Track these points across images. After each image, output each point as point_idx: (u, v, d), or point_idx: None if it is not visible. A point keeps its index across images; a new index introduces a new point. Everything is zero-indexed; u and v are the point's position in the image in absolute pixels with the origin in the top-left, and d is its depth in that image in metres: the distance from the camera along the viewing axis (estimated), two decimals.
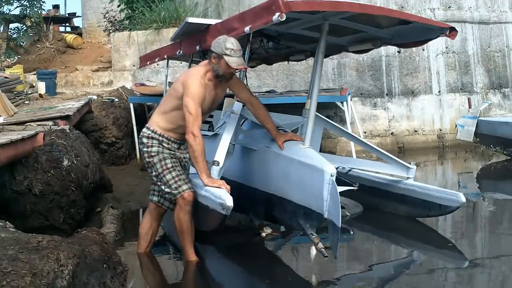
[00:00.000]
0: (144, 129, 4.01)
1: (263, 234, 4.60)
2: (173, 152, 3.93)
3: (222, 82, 3.96)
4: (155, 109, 8.37)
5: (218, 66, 3.83)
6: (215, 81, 3.89)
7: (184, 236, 3.91)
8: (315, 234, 3.67)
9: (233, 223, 4.79)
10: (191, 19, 4.77)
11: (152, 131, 3.94)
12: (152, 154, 3.90)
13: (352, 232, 4.93)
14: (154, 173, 3.93)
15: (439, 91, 9.91)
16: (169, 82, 7.62)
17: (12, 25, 12.98)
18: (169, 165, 3.88)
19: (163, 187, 3.89)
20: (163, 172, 3.87)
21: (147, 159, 3.95)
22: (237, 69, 3.89)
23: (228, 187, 3.68)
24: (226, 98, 5.63)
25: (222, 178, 3.98)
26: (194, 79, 3.80)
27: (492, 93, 10.42)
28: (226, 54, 3.77)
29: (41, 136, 4.29)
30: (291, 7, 3.37)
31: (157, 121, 3.97)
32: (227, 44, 3.79)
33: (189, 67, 6.57)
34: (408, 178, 4.80)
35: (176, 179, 3.85)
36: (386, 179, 5.04)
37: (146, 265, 4.07)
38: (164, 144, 3.91)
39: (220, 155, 3.94)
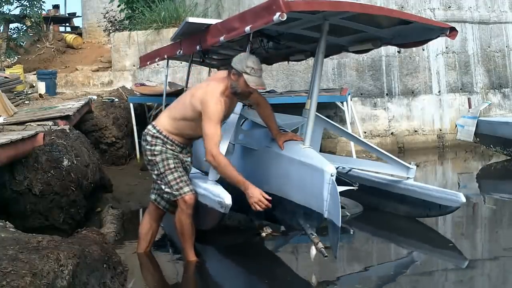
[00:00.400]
0: (150, 127, 3.97)
1: (263, 234, 4.60)
2: (176, 154, 3.91)
3: (239, 100, 3.97)
4: (156, 109, 8.42)
5: (237, 84, 3.78)
6: (231, 96, 3.86)
7: (185, 239, 3.90)
8: (315, 234, 3.66)
9: (233, 223, 4.80)
10: (191, 19, 4.76)
11: (158, 131, 3.90)
12: (155, 153, 3.87)
13: (352, 232, 4.93)
14: (155, 172, 3.90)
15: (439, 91, 9.91)
16: (169, 82, 7.65)
17: (12, 25, 12.99)
18: (172, 166, 3.86)
19: (163, 186, 3.87)
20: (165, 172, 3.85)
21: (149, 157, 3.91)
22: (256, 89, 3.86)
23: (265, 202, 3.63)
24: None
25: (222, 178, 3.98)
26: (214, 100, 3.70)
27: (492, 93, 10.42)
28: (246, 73, 3.73)
29: (41, 136, 4.29)
30: (291, 7, 3.37)
31: (165, 124, 3.93)
32: (249, 63, 3.75)
33: (189, 67, 6.58)
34: (408, 178, 4.80)
35: (178, 180, 3.84)
36: (386, 179, 5.04)
37: (146, 265, 4.07)
38: (168, 146, 3.88)
39: None
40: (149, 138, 3.91)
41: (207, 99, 3.71)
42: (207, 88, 3.81)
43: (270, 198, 3.64)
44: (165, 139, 3.89)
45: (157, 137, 3.89)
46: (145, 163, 4.06)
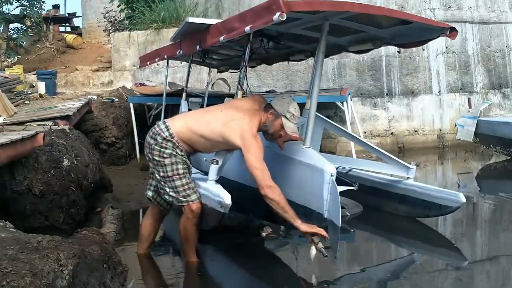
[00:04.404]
0: (163, 127, 3.85)
1: (263, 234, 4.60)
2: (184, 160, 3.86)
3: (266, 139, 3.95)
4: (156, 109, 8.41)
5: (271, 124, 3.83)
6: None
7: (188, 244, 3.89)
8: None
9: (233, 223, 4.79)
10: (191, 19, 4.76)
11: (170, 135, 3.81)
12: (165, 155, 3.79)
13: (352, 232, 4.93)
14: (162, 174, 3.82)
15: (439, 91, 9.91)
16: (169, 82, 7.65)
17: (12, 25, 13.01)
18: (181, 171, 3.80)
19: (167, 189, 3.82)
20: (173, 177, 3.79)
21: (157, 158, 3.82)
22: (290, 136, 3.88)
23: (325, 232, 3.57)
24: (226, 98, 5.65)
25: (222, 178, 3.98)
26: (254, 137, 3.70)
27: (492, 93, 10.43)
28: (285, 117, 3.78)
29: (41, 136, 4.28)
30: (291, 7, 3.36)
31: (179, 131, 3.84)
32: (290, 108, 3.80)
33: (189, 67, 6.58)
34: (408, 178, 4.80)
35: (186, 187, 3.79)
36: (386, 179, 5.04)
37: (146, 265, 4.07)
38: (177, 151, 3.82)
39: (219, 154, 3.94)
40: (159, 139, 3.81)
41: (248, 136, 3.68)
42: (243, 123, 3.73)
43: (322, 230, 3.57)
44: (177, 144, 3.81)
45: (168, 141, 3.80)
46: (147, 159, 3.97)
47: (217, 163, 3.91)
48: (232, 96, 4.67)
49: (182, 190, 3.78)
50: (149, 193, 4.06)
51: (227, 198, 3.58)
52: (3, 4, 12.14)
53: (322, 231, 3.55)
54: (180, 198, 3.79)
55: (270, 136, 3.93)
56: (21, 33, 12.81)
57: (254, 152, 3.64)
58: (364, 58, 9.37)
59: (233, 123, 3.74)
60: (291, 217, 3.61)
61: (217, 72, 7.68)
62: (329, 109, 8.62)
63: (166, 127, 3.85)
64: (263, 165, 3.64)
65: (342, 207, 4.17)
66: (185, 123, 3.91)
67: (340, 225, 3.46)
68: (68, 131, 5.03)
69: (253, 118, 3.80)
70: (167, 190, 3.83)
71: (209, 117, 3.90)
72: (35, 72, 10.40)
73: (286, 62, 6.78)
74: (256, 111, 3.87)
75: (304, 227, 3.58)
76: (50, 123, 5.34)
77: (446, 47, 9.92)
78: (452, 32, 4.08)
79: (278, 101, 3.88)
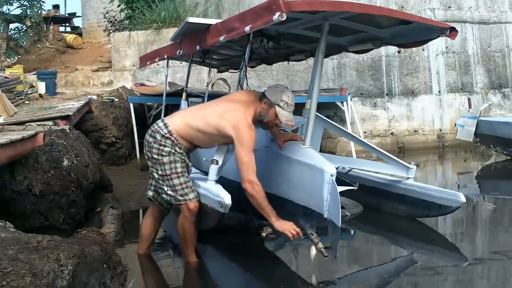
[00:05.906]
0: (161, 125, 3.86)
1: (263, 234, 4.60)
2: (183, 158, 3.86)
3: (263, 128, 3.96)
4: (156, 109, 8.41)
5: (266, 113, 3.82)
6: (255, 122, 3.88)
7: (186, 243, 3.90)
8: (315, 234, 3.67)
9: (233, 223, 4.79)
10: (191, 19, 4.76)
11: (169, 132, 3.82)
12: (163, 153, 3.80)
13: (352, 232, 4.93)
14: (159, 172, 3.82)
15: (439, 91, 9.91)
16: (169, 82, 7.65)
17: (12, 25, 13.02)
18: (179, 170, 3.80)
19: (165, 188, 3.82)
20: (171, 175, 3.79)
21: (155, 156, 3.82)
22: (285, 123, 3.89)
23: (298, 229, 3.63)
24: None
25: (222, 178, 3.98)
26: (248, 127, 3.70)
27: (492, 93, 10.43)
28: (278, 105, 3.78)
29: (41, 136, 4.28)
30: (291, 7, 3.36)
31: (177, 127, 3.84)
32: (284, 97, 3.79)
33: (189, 67, 6.58)
34: (408, 178, 4.80)
35: (184, 186, 3.79)
36: (386, 179, 5.04)
37: (146, 265, 4.07)
38: (176, 148, 3.82)
39: (219, 154, 3.94)
40: (158, 137, 3.81)
41: (241, 127, 3.68)
42: (238, 113, 3.75)
43: (298, 230, 3.64)
44: (175, 141, 3.82)
45: (167, 138, 3.80)
46: (146, 158, 3.98)
47: (217, 163, 3.91)
48: None
49: (180, 189, 3.79)
50: (150, 193, 4.06)
51: (227, 198, 3.59)
52: (3, 4, 12.14)
53: (296, 229, 3.61)
54: (178, 197, 3.79)
55: (265, 125, 3.93)
56: (21, 33, 12.82)
57: (245, 143, 3.65)
58: (364, 58, 9.37)
59: (228, 114, 3.77)
60: (267, 214, 3.68)
61: (217, 72, 7.68)
62: (329, 109, 8.62)
63: (165, 124, 3.87)
64: (250, 159, 3.64)
65: (342, 207, 4.17)
66: (183, 119, 3.93)
67: (340, 225, 3.46)
68: (68, 131, 5.03)
69: (248, 108, 3.81)
70: (165, 188, 3.83)
71: (206, 111, 3.94)
72: (35, 72, 10.40)
73: (286, 62, 6.78)
74: (252, 101, 3.87)
75: (278, 224, 3.66)
76: (50, 123, 5.34)
77: (446, 47, 9.92)
78: (452, 32, 4.09)
79: (271, 91, 3.87)
